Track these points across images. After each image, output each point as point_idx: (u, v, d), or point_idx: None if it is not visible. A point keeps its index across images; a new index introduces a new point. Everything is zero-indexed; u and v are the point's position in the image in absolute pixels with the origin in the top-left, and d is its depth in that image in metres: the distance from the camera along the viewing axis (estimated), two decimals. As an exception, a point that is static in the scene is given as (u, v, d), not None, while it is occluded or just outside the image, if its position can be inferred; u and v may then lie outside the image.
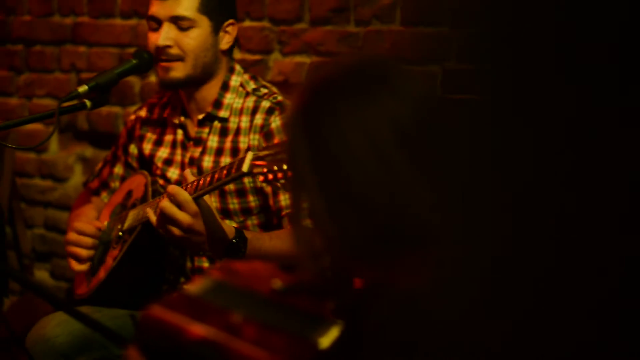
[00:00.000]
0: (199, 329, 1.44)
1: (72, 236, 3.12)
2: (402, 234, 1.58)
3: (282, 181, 2.32)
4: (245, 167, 2.42)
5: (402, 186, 1.57)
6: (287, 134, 1.65)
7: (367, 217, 1.58)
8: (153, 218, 2.69)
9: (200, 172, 3.04)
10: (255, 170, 2.38)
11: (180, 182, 3.08)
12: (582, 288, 1.45)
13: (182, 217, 2.57)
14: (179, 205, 2.56)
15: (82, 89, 2.92)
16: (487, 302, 1.51)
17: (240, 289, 1.54)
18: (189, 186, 2.66)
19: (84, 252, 3.11)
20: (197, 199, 2.58)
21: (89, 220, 3.20)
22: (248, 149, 3.03)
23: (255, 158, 2.39)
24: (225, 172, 2.53)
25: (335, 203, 1.59)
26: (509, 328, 1.52)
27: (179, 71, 3.03)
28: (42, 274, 4.84)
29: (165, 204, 2.58)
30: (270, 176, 2.33)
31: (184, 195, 2.57)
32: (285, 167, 2.28)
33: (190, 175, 2.69)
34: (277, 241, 2.80)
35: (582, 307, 1.46)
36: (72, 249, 3.12)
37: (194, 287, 1.55)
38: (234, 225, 2.94)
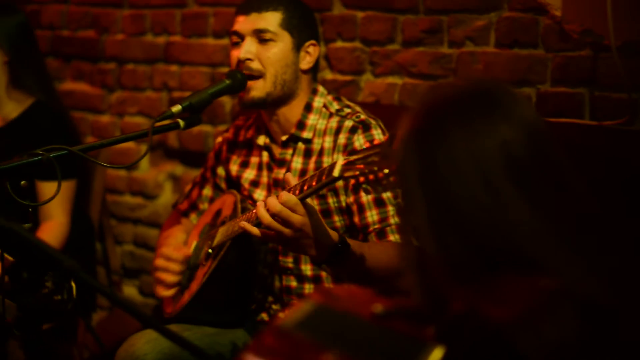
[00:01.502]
0: None
1: (160, 262, 3.15)
2: (503, 260, 1.57)
3: (378, 185, 2.30)
4: (336, 172, 2.39)
5: (507, 212, 1.56)
6: (399, 153, 1.65)
7: (469, 240, 1.57)
8: (254, 229, 2.66)
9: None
10: (347, 174, 2.35)
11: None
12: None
13: (296, 218, 2.55)
14: (291, 208, 2.55)
15: (176, 108, 2.93)
16: (578, 342, 1.48)
17: (341, 313, 1.53)
18: (293, 190, 2.64)
19: (170, 278, 3.14)
20: (304, 202, 2.57)
21: (177, 246, 3.21)
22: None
23: (346, 163, 2.36)
24: (315, 179, 2.52)
25: (440, 223, 1.59)
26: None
27: (259, 90, 3.05)
28: (130, 290, 4.88)
29: (278, 207, 2.55)
30: (362, 179, 2.30)
31: (294, 199, 2.55)
32: (376, 169, 2.26)
33: (292, 179, 2.66)
34: (375, 250, 2.77)
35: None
36: (159, 275, 3.16)
37: (288, 318, 1.53)
38: None
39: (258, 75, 3.05)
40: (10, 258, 3.09)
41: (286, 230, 2.56)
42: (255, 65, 3.05)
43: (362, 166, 2.29)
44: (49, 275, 2.77)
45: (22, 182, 2.66)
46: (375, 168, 2.24)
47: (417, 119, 1.65)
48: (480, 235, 1.56)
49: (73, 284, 2.91)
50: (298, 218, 2.55)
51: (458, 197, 1.57)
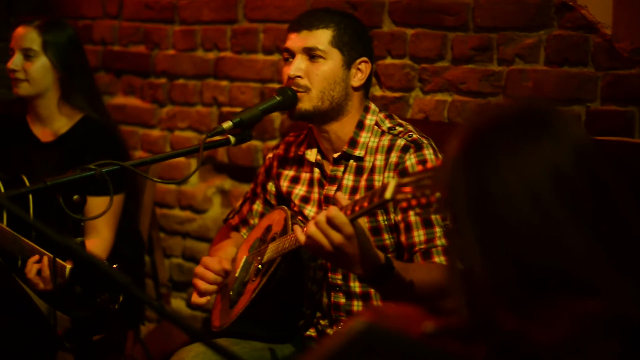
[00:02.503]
0: None
1: (198, 269, 3.18)
2: (551, 281, 1.56)
3: (429, 209, 2.28)
4: (388, 194, 2.36)
5: (556, 232, 1.56)
6: (447, 173, 1.65)
7: (518, 261, 1.56)
8: (301, 237, 2.66)
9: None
10: (399, 196, 2.33)
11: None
12: None
13: (335, 236, 2.54)
14: (335, 227, 2.55)
15: (227, 125, 2.97)
16: None
17: (392, 332, 1.53)
18: (345, 210, 2.63)
19: (203, 286, 3.15)
20: (354, 222, 2.57)
21: (220, 258, 3.23)
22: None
23: (399, 185, 2.34)
24: (367, 201, 2.51)
25: (488, 245, 1.58)
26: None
27: (305, 103, 3.07)
28: (178, 303, 4.92)
29: (321, 219, 2.57)
30: (414, 202, 2.28)
31: (342, 218, 2.55)
32: (428, 192, 2.24)
33: (343, 198, 2.67)
34: (420, 273, 2.76)
35: None
36: (195, 281, 3.18)
37: (332, 345, 1.53)
38: None
39: (304, 91, 3.08)
40: (64, 263, 3.13)
41: (325, 245, 2.57)
42: (303, 82, 3.08)
43: (414, 189, 2.28)
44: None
45: (75, 197, 2.70)
46: (428, 192, 2.23)
47: (466, 141, 1.65)
48: (529, 257, 1.56)
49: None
50: (337, 237, 2.54)
51: (507, 219, 1.57)
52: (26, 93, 3.89)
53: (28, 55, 3.86)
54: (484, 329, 1.60)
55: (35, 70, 3.86)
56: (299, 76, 3.07)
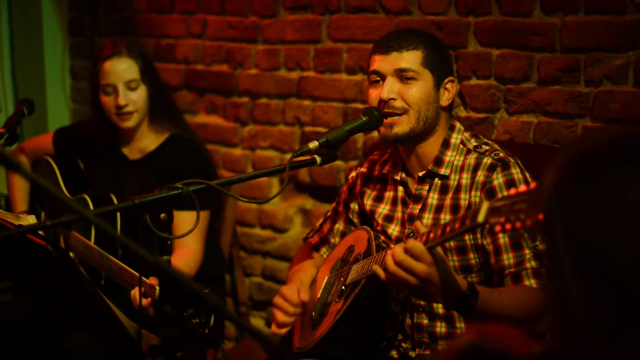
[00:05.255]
0: None
1: (278, 300, 3.20)
2: None
3: (523, 233, 2.24)
4: (480, 218, 2.33)
5: None
6: (544, 206, 1.61)
7: (618, 294, 1.52)
8: (381, 273, 2.66)
9: (418, 229, 3.03)
10: (492, 220, 2.30)
11: (400, 239, 3.09)
12: None
13: (419, 267, 2.54)
14: (415, 257, 2.54)
15: (313, 145, 2.97)
16: None
17: (499, 352, 1.51)
18: (420, 238, 2.63)
19: (282, 318, 3.17)
20: (431, 250, 2.56)
21: (299, 287, 3.22)
22: (469, 206, 3.00)
23: (491, 208, 2.30)
24: (458, 223, 2.48)
25: (586, 276, 1.54)
26: None
27: (402, 126, 3.06)
28: (257, 322, 4.93)
29: (401, 255, 2.56)
30: (508, 226, 2.24)
31: (420, 247, 2.54)
32: (523, 217, 2.20)
33: (421, 226, 2.66)
34: (506, 298, 2.75)
35: None
36: (274, 312, 3.21)
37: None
38: None
39: (401, 113, 3.06)
40: (154, 284, 3.14)
41: (410, 279, 2.57)
42: (399, 104, 3.06)
43: (507, 213, 2.24)
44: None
45: (162, 216, 2.71)
46: (523, 216, 2.19)
47: (563, 171, 1.61)
48: (629, 288, 1.52)
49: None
50: (422, 267, 2.54)
51: (608, 249, 1.52)
52: (135, 123, 3.91)
53: (131, 87, 3.87)
54: (578, 355, 1.57)
55: (140, 98, 3.88)
56: (392, 98, 3.06)
